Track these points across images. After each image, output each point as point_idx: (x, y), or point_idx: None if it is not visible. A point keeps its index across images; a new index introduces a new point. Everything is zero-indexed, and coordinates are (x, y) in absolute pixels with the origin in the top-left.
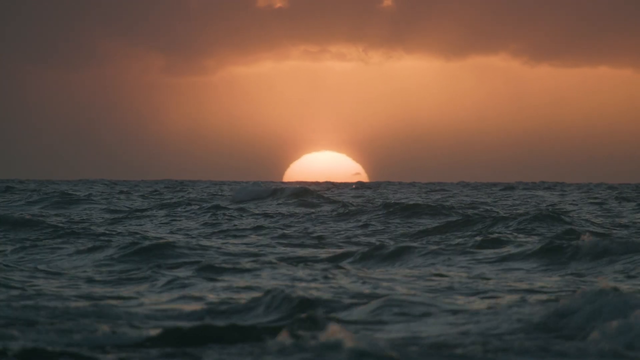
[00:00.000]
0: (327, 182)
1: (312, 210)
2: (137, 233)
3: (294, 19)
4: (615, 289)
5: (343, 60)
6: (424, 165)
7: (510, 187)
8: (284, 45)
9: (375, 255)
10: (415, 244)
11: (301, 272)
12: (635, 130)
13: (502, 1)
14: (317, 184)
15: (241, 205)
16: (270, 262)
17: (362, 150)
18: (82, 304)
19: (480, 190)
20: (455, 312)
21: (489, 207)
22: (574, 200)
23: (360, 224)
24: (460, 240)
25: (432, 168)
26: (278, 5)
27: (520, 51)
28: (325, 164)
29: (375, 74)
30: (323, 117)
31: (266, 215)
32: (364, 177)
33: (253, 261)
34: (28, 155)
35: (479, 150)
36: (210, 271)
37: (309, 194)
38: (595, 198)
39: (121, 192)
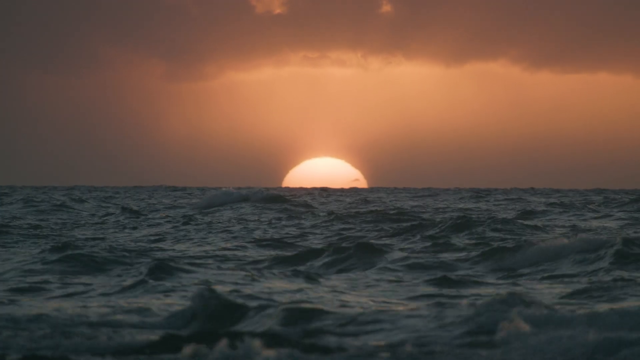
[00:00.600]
0: (322, 188)
1: (277, 215)
2: (86, 239)
3: (293, 25)
4: (527, 297)
5: (342, 66)
6: (423, 171)
7: (505, 192)
8: (284, 51)
9: (315, 260)
10: (361, 250)
11: (240, 277)
12: (636, 136)
13: (502, 7)
14: (314, 189)
15: (205, 211)
16: (211, 267)
17: (361, 156)
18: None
19: (465, 194)
20: (374, 316)
21: (461, 212)
22: (549, 205)
23: (318, 229)
24: (404, 244)
25: (431, 174)
26: (277, 11)
27: (520, 57)
28: (324, 170)
29: (374, 80)
30: (323, 123)
31: (224, 221)
32: (363, 183)
33: (192, 266)
34: (27, 160)
35: (479, 156)
36: (154, 275)
37: (279, 200)
38: (575, 203)
39: (105, 198)
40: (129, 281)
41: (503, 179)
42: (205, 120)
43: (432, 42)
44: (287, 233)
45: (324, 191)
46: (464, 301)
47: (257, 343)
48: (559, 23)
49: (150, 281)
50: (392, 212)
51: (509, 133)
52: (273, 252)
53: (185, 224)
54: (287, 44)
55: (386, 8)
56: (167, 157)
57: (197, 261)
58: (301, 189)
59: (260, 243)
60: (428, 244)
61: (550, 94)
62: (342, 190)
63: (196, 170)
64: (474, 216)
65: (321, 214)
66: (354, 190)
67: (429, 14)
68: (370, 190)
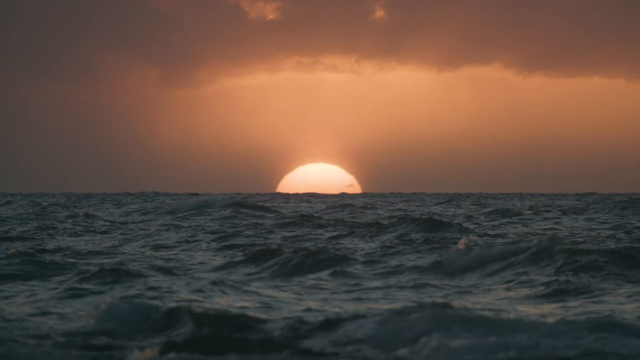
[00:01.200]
0: (309, 194)
1: (240, 221)
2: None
3: (286, 31)
4: (447, 304)
5: (336, 71)
6: (417, 176)
7: (491, 197)
8: (277, 57)
9: (265, 264)
10: (312, 254)
11: (184, 282)
12: (628, 139)
13: (495, 12)
14: (306, 195)
15: (173, 217)
16: (161, 272)
17: (355, 162)
18: None
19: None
20: (319, 321)
21: (425, 216)
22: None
23: (275, 233)
24: (360, 248)
25: (426, 179)
26: (270, 17)
27: (514, 62)
28: (318, 175)
29: (368, 85)
30: (317, 129)
31: (187, 227)
32: (357, 189)
33: (142, 270)
34: (22, 167)
35: (473, 160)
36: (97, 281)
37: (248, 206)
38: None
39: (89, 205)
40: (70, 286)
41: (497, 184)
42: (199, 127)
43: (425, 46)
44: (243, 238)
45: (311, 197)
46: (374, 309)
47: (173, 352)
48: (552, 27)
49: (92, 286)
50: (359, 216)
51: (502, 137)
52: (223, 257)
53: (148, 229)
54: (281, 49)
55: (379, 13)
56: (161, 164)
57: (150, 266)
58: (295, 194)
59: (213, 248)
60: (383, 246)
61: (544, 98)
62: (328, 195)
63: (190, 176)
64: (443, 220)
65: (284, 219)
66: (340, 196)
67: (422, 19)
68: (363, 195)
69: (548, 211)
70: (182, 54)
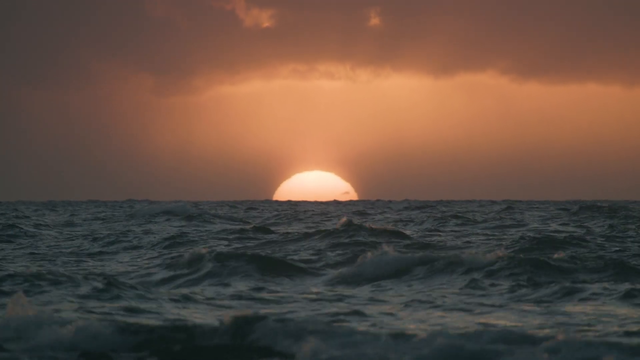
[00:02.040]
0: (293, 202)
1: (185, 230)
2: None
3: (281, 38)
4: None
5: (331, 78)
6: (413, 183)
7: (477, 204)
8: (273, 64)
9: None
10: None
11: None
12: (623, 146)
13: (490, 19)
14: (294, 202)
15: (122, 224)
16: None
17: (351, 169)
18: None
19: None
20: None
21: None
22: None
23: (216, 241)
24: (268, 257)
25: (421, 186)
26: (266, 24)
27: (509, 68)
28: (315, 183)
29: (363, 93)
30: (312, 136)
31: (136, 233)
32: (354, 196)
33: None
34: (17, 175)
35: (469, 167)
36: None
37: (206, 214)
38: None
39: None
40: None
41: (492, 191)
42: (195, 134)
43: (420, 54)
44: (182, 245)
45: (295, 205)
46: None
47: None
48: (547, 34)
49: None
50: (314, 223)
51: (498, 144)
52: (157, 264)
53: (91, 235)
54: (276, 57)
55: (374, 21)
56: (156, 171)
57: (76, 272)
58: (287, 202)
59: (148, 254)
60: (317, 254)
61: (539, 105)
62: (318, 202)
63: (186, 183)
64: (387, 228)
65: (236, 227)
66: (330, 203)
67: (417, 27)
68: (355, 203)
69: (502, 218)
70: (177, 61)
